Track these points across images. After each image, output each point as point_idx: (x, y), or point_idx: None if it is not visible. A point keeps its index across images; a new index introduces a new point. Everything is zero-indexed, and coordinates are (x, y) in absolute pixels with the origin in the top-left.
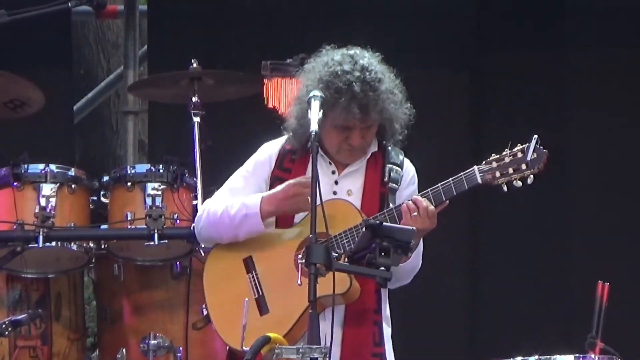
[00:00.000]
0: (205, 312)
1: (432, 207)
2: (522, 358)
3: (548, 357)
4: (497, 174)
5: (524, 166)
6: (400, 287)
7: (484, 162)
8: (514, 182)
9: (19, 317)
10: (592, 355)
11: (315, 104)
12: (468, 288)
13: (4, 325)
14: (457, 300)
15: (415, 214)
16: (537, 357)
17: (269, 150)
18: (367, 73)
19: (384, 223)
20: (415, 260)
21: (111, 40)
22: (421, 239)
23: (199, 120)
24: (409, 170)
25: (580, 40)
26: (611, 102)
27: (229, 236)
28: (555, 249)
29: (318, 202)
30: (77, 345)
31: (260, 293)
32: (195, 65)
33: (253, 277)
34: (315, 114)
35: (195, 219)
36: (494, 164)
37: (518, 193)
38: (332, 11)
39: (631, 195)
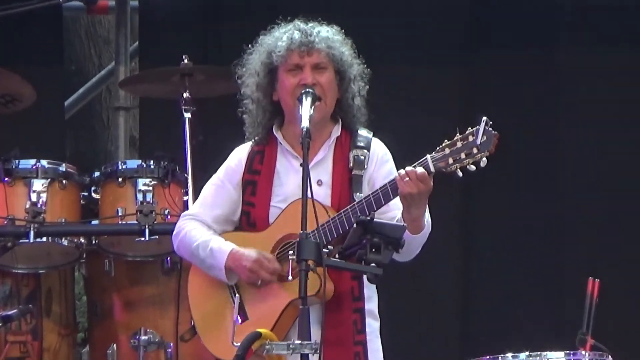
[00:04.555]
0: (192, 323)
1: (420, 170)
2: (512, 354)
3: (539, 353)
4: (450, 161)
5: (475, 150)
6: (390, 283)
7: (436, 149)
8: (468, 166)
9: (10, 312)
10: (583, 352)
11: (307, 102)
12: (460, 285)
13: None
14: (448, 297)
15: (405, 180)
16: (527, 353)
17: (239, 155)
18: (303, 23)
19: (375, 219)
20: (427, 230)
21: (102, 36)
22: (427, 207)
23: (190, 116)
24: (377, 150)
25: (571, 39)
26: (602, 101)
27: (200, 268)
28: (546, 246)
29: (296, 197)
30: (68, 341)
31: (239, 301)
32: (186, 61)
33: (232, 286)
34: (306, 111)
35: (174, 232)
36: (447, 150)
37: (510, 192)
38: (322, 8)
39: (622, 193)
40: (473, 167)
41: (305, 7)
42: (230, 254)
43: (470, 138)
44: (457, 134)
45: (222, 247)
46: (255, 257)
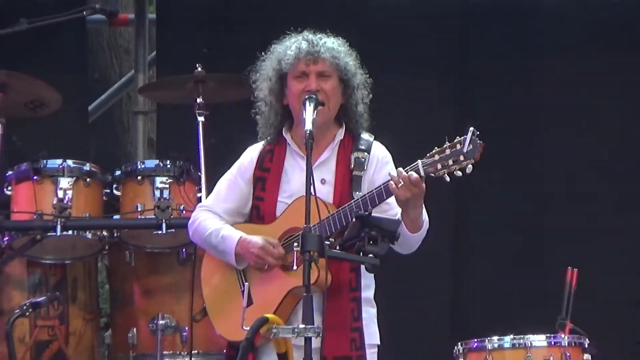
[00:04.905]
0: (203, 305)
1: (414, 175)
2: (498, 337)
3: (522, 336)
4: (439, 167)
5: (461, 157)
6: (387, 274)
7: (427, 155)
8: (455, 172)
9: (39, 299)
10: (562, 335)
11: (310, 107)
12: (451, 275)
13: (25, 307)
14: (440, 285)
15: (401, 184)
16: (512, 336)
17: (251, 153)
18: (311, 34)
19: (373, 214)
20: (425, 227)
21: (123, 46)
22: (423, 207)
23: (203, 120)
24: (377, 153)
25: (550, 49)
26: (579, 105)
27: (212, 254)
28: (530, 239)
29: (301, 194)
30: (92, 325)
31: (247, 286)
32: (199, 69)
33: (240, 272)
34: (309, 114)
35: (190, 220)
36: (436, 157)
37: (498, 190)
38: (327, 19)
39: (598, 191)
40: (459, 173)
41: (309, 20)
42: (239, 240)
43: (458, 146)
44: (447, 142)
45: (232, 234)
46: (261, 243)
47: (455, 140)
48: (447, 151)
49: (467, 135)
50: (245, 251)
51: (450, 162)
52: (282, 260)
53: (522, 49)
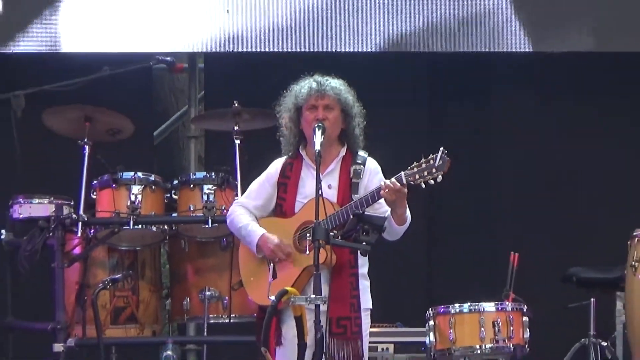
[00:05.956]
0: (239, 279)
1: (398, 184)
2: (459, 304)
3: (477, 303)
4: (417, 177)
5: (434, 170)
6: (377, 256)
7: (408, 168)
8: (429, 181)
9: (116, 276)
10: (507, 302)
11: (319, 132)
12: (425, 256)
13: (106, 282)
14: (417, 265)
15: (386, 191)
16: (469, 303)
17: (276, 165)
18: (319, 76)
19: (365, 212)
20: (408, 221)
21: (179, 87)
22: (406, 207)
23: (239, 142)
24: (370, 165)
25: (502, 91)
26: (523, 132)
27: (241, 241)
28: (486, 229)
29: (312, 197)
30: (156, 295)
31: (272, 265)
32: (236, 104)
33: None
34: (318, 138)
35: (228, 212)
36: (415, 169)
37: (463, 191)
38: (325, 72)
39: (535, 193)
40: (432, 182)
41: (313, 68)
42: (261, 236)
43: (431, 162)
44: (422, 158)
45: (257, 231)
46: (276, 242)
47: (429, 157)
48: (423, 165)
49: (438, 153)
50: (264, 245)
51: (426, 173)
52: (290, 256)
53: (477, 91)
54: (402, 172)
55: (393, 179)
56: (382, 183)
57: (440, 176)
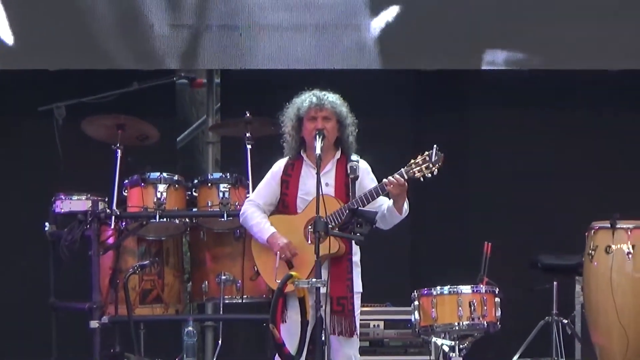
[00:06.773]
0: (255, 269)
1: (402, 180)
2: (440, 287)
3: (455, 286)
4: (416, 172)
5: (430, 165)
6: (369, 246)
7: (407, 164)
8: (426, 175)
9: (144, 262)
10: (481, 286)
11: (319, 139)
12: (410, 244)
13: (135, 267)
14: (403, 251)
15: (392, 186)
16: (449, 286)
17: (279, 164)
18: (318, 91)
19: (359, 208)
20: (407, 210)
21: (199, 99)
22: (406, 199)
23: (250, 147)
24: (362, 166)
25: (478, 102)
26: (498, 141)
27: (253, 236)
28: (462, 222)
29: (312, 193)
30: (179, 279)
31: (278, 255)
32: (247, 115)
33: None
34: (318, 144)
35: (241, 210)
36: (413, 165)
37: (444, 189)
38: (330, 86)
39: (509, 193)
40: (429, 175)
41: (321, 85)
42: (270, 235)
43: (427, 158)
44: (419, 155)
45: (267, 230)
46: (284, 243)
47: (425, 154)
48: (420, 160)
49: (432, 150)
50: (273, 243)
51: (424, 168)
52: (295, 255)
53: (459, 104)
54: (403, 169)
55: (397, 175)
56: (387, 179)
57: (436, 170)
